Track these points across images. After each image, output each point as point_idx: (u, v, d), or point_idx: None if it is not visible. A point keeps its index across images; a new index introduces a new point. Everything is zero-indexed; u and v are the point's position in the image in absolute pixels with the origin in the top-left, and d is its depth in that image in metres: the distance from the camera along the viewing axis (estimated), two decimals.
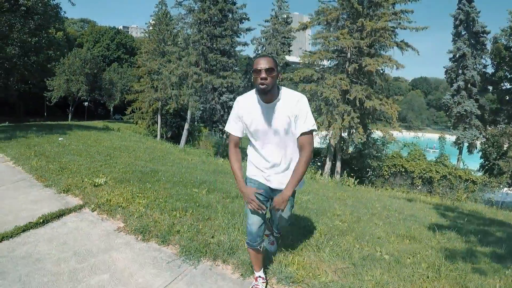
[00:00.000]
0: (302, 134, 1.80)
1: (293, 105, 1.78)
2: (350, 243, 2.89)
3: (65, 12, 16.53)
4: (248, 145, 2.02)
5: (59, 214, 3.24)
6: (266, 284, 2.10)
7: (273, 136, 1.83)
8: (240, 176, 1.89)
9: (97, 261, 2.41)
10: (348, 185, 8.95)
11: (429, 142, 38.12)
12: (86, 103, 38.27)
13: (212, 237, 2.73)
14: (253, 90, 1.85)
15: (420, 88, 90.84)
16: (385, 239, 3.21)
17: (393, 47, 14.40)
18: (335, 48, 15.04)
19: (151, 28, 26.49)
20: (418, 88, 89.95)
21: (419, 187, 16.35)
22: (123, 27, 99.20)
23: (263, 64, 1.70)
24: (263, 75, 1.69)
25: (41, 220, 3.05)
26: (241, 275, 2.22)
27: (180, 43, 22.06)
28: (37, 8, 11.06)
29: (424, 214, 5.03)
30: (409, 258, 2.69)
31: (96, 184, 4.07)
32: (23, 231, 2.85)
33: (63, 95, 33.28)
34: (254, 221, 1.92)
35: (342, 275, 2.26)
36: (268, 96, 1.77)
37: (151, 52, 25.14)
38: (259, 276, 2.05)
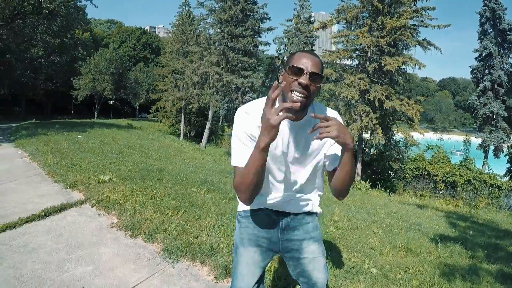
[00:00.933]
0: None
1: None
2: (338, 252, 2.82)
3: (86, 14, 17.31)
4: None
5: (61, 208, 3.43)
6: None
7: (294, 169, 1.29)
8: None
9: (85, 253, 2.54)
10: (360, 189, 8.73)
11: (456, 144, 36.29)
12: (112, 102, 39.84)
13: (196, 237, 2.78)
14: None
15: (448, 88, 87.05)
16: (378, 250, 3.08)
17: (415, 46, 13.86)
18: (355, 47, 14.72)
19: (174, 28, 27.15)
20: (446, 89, 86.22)
21: (442, 191, 15.68)
22: (150, 27, 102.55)
23: (309, 63, 1.10)
24: (305, 80, 1.08)
25: (43, 213, 3.24)
26: (215, 277, 2.24)
27: (202, 43, 22.48)
28: (60, 10, 11.68)
29: (432, 223, 4.80)
30: (400, 273, 2.55)
31: (100, 181, 4.27)
32: (26, 222, 3.05)
33: (89, 94, 34.74)
34: (245, 285, 1.35)
35: None
36: (301, 114, 1.19)
37: (174, 52, 25.78)
38: None
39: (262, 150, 1.04)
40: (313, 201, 1.40)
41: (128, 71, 40.16)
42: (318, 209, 1.43)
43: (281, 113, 1.00)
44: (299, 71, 1.09)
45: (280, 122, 0.99)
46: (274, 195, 1.33)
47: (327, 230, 3.42)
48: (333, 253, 2.75)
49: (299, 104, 1.07)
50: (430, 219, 5.14)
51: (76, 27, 14.83)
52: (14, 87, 17.23)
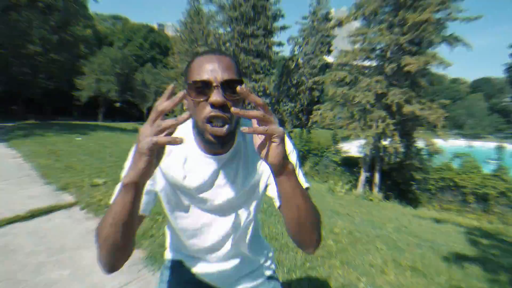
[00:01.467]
0: None
1: None
2: (332, 268, 2.77)
3: (88, 9, 17.04)
4: (167, 228, 1.22)
5: (48, 210, 3.56)
6: None
7: (220, 216, 0.98)
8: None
9: (65, 257, 2.63)
10: (371, 200, 8.59)
11: (490, 152, 35.08)
12: (118, 104, 40.60)
13: None
14: (186, 126, 0.92)
15: (482, 90, 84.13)
16: (379, 268, 2.98)
17: (440, 43, 13.43)
18: (373, 46, 14.57)
19: (183, 27, 27.48)
20: (480, 91, 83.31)
21: (472, 205, 15.18)
22: (158, 25, 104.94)
23: (216, 68, 0.78)
24: (219, 97, 0.76)
25: (29, 214, 3.38)
26: None
27: (212, 44, 22.76)
28: (57, 4, 11.68)
29: (448, 240, 4.67)
30: None
31: (93, 184, 4.41)
32: (9, 223, 3.19)
33: (92, 95, 34.67)
34: None
35: None
36: (226, 145, 0.88)
37: (183, 52, 26.12)
38: None
39: (126, 190, 0.71)
40: (267, 264, 1.17)
41: (135, 72, 40.78)
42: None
43: (160, 136, 0.66)
44: (205, 86, 0.76)
45: (152, 149, 0.66)
46: (204, 267, 1.07)
47: (325, 243, 3.39)
48: (327, 269, 2.71)
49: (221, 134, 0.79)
50: (447, 235, 5.00)
51: (76, 23, 14.95)
52: (11, 85, 17.46)
